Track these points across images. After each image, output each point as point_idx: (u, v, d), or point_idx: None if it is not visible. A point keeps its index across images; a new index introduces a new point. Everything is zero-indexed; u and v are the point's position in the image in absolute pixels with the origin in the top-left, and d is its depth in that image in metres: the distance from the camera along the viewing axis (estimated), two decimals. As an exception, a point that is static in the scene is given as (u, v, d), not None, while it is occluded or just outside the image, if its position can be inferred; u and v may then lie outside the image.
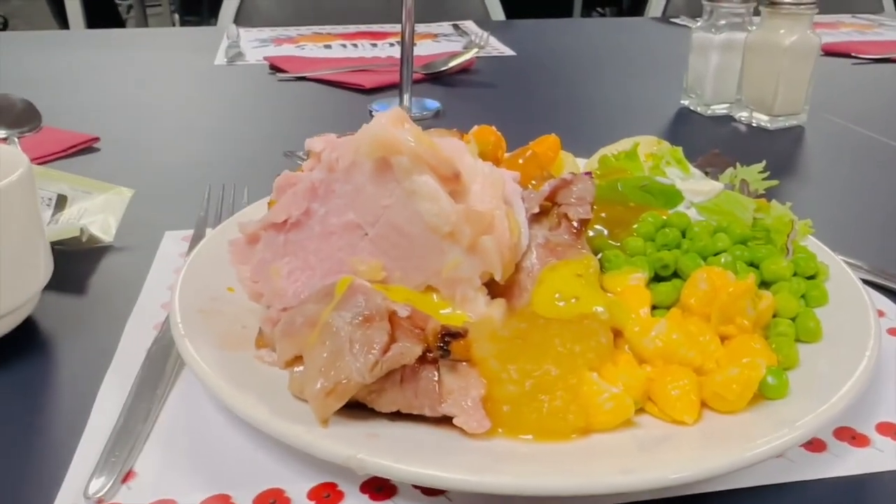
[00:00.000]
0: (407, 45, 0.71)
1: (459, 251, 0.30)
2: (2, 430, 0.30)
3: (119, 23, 3.15)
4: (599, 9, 4.03)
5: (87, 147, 0.63)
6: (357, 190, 0.30)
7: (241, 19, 1.23)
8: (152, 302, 0.40)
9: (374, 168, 0.30)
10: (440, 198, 0.29)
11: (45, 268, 0.36)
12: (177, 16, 4.26)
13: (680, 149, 0.42)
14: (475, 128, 0.43)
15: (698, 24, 0.73)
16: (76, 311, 0.39)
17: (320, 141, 0.33)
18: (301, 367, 0.28)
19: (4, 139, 0.61)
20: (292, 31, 1.13)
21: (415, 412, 0.28)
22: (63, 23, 2.61)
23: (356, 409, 0.28)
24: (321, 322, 0.28)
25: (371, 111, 0.73)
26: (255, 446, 0.29)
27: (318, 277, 0.31)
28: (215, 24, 3.63)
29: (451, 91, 0.82)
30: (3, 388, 0.33)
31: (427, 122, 0.72)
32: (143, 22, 3.51)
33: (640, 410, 0.29)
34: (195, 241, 0.45)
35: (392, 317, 0.28)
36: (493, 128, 0.44)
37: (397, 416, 0.28)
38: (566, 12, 2.58)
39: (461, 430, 0.27)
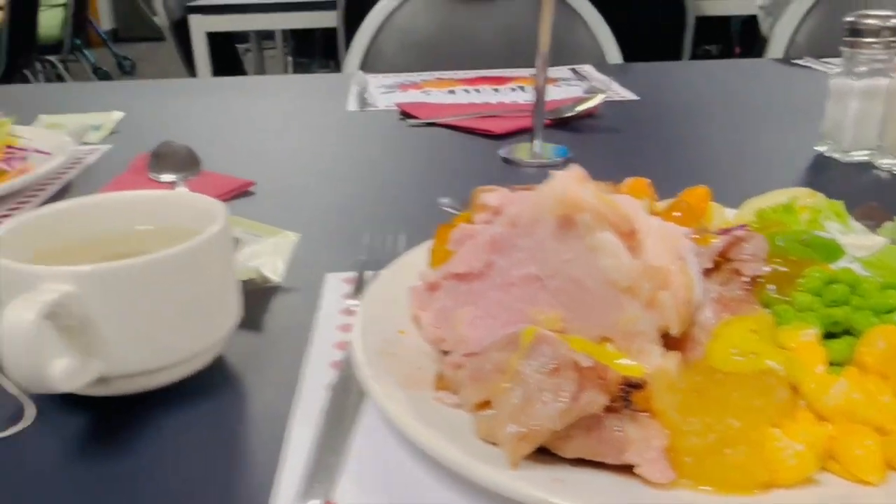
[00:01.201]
0: (540, 92, 0.73)
1: (638, 305, 0.31)
2: (201, 459, 0.33)
3: (239, 65, 3.33)
4: (707, 46, 3.98)
5: (243, 191, 0.67)
6: (538, 245, 0.32)
7: (365, 65, 1.29)
8: (325, 341, 0.43)
9: (556, 224, 0.32)
10: (621, 254, 0.31)
11: (237, 308, 0.39)
12: (290, 58, 4.48)
13: (841, 203, 0.42)
14: (628, 180, 0.44)
15: (836, 69, 0.73)
16: (256, 348, 0.42)
17: (496, 196, 0.35)
18: (489, 411, 0.30)
19: (173, 183, 0.66)
20: (416, 76, 1.17)
21: (598, 459, 0.29)
22: (190, 67, 2.78)
23: (539, 453, 0.29)
24: (510, 369, 0.30)
25: (503, 157, 0.76)
26: (441, 483, 0.31)
27: (498, 326, 0.33)
28: (327, 65, 3.74)
29: (577, 137, 0.84)
30: (202, 420, 0.36)
31: (557, 168, 0.73)
32: (261, 64, 3.69)
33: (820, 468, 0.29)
34: (358, 284, 0.48)
35: (576, 367, 0.29)
36: (646, 180, 0.45)
37: (578, 462, 0.29)
38: (675, 51, 2.57)
39: (642, 479, 0.28)
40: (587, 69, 1.19)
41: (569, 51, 1.31)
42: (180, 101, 1.06)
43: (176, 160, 0.71)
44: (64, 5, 4.48)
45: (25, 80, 4.44)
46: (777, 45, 1.30)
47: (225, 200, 0.66)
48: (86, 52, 5.54)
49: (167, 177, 0.67)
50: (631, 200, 0.34)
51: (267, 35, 4.67)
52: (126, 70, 6.38)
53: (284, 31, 4.47)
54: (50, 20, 4.32)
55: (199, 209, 0.39)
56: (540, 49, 0.71)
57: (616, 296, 0.31)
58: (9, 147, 0.68)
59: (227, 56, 3.21)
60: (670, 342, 0.32)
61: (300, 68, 4.46)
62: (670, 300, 0.31)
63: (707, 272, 0.34)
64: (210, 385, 0.39)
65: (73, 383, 0.33)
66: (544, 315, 0.32)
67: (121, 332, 0.34)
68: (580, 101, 0.89)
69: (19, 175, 0.65)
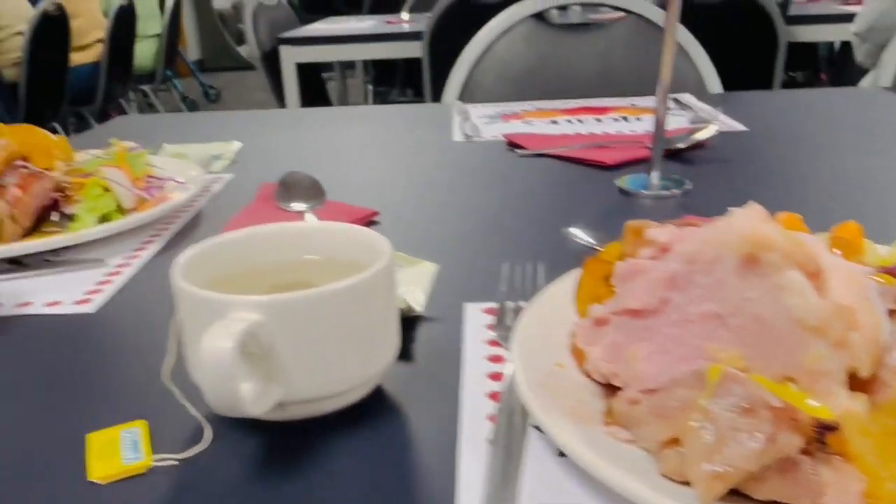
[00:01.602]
0: (660, 123, 0.73)
1: (825, 345, 0.30)
2: (372, 484, 0.34)
3: (324, 93, 3.42)
4: (792, 73, 3.89)
5: (369, 221, 0.69)
6: (719, 282, 0.32)
7: (463, 96, 1.31)
8: (477, 372, 0.43)
9: (739, 262, 0.32)
10: (808, 293, 0.30)
11: (398, 339, 0.40)
12: (370, 86, 4.57)
13: None
14: (780, 216, 0.44)
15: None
16: (409, 377, 0.43)
17: (664, 232, 0.36)
18: (676, 449, 0.30)
19: (301, 213, 0.68)
20: (516, 106, 1.18)
21: (792, 502, 0.29)
22: (279, 95, 2.87)
23: (728, 493, 0.29)
24: (698, 407, 0.30)
25: (621, 188, 0.76)
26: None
27: (674, 362, 0.33)
28: (405, 93, 3.79)
29: (690, 168, 0.83)
30: (368, 446, 0.37)
31: (677, 199, 0.73)
32: (344, 93, 3.78)
33: None
34: (500, 315, 0.49)
35: (769, 407, 0.29)
36: (798, 215, 0.44)
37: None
38: (765, 78, 2.52)
39: (837, 523, 0.28)
40: (688, 98, 1.18)
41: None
42: (291, 130, 1.09)
43: (302, 190, 0.73)
44: (158, 37, 4.69)
45: (121, 109, 4.66)
46: (886, 73, 1.27)
47: (351, 229, 0.68)
48: (175, 81, 5.77)
49: (296, 206, 0.69)
50: (814, 239, 0.34)
51: (349, 64, 4.79)
52: (211, 98, 6.63)
53: (366, 61, 4.58)
54: (144, 51, 4.53)
55: (365, 242, 0.41)
56: (661, 79, 0.71)
57: (802, 335, 0.31)
58: (148, 177, 0.72)
59: (313, 84, 3.30)
60: (855, 384, 0.32)
61: (380, 97, 4.56)
62: (860, 340, 0.30)
63: (891, 313, 0.33)
64: (373, 412, 0.40)
65: (260, 407, 0.34)
66: (725, 353, 0.32)
67: (300, 359, 0.35)
68: (692, 131, 0.88)
69: (159, 203, 0.69)
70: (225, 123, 1.16)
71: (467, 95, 1.31)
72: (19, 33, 3.33)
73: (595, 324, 0.36)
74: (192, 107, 5.86)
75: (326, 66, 3.77)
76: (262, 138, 1.04)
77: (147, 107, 5.51)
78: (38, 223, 0.65)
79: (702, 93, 1.27)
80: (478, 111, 1.16)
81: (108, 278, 0.58)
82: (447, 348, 0.46)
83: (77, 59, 3.75)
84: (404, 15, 3.19)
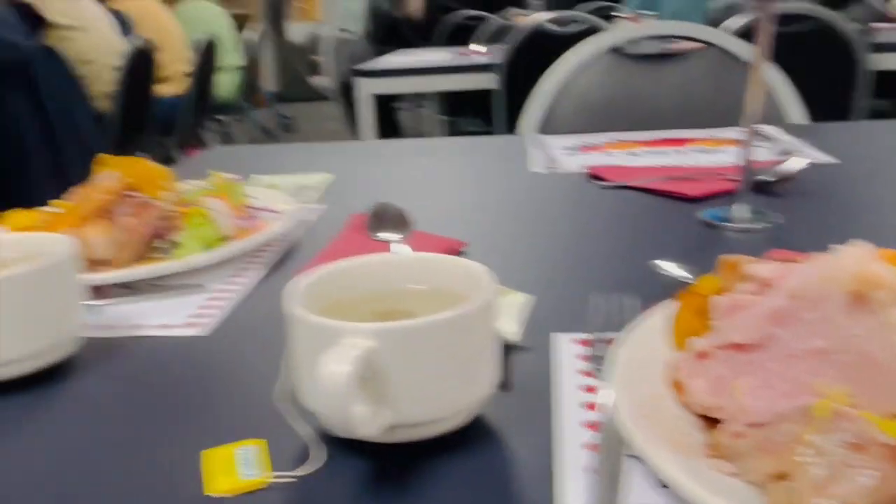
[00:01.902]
0: (747, 155, 0.73)
1: (936, 384, 0.30)
2: (489, 509, 0.35)
3: (396, 122, 3.49)
4: (876, 101, 3.77)
5: (457, 252, 0.71)
6: (826, 319, 0.32)
7: (541, 127, 1.32)
8: (571, 401, 0.44)
9: (846, 300, 0.32)
10: (919, 331, 0.30)
11: (498, 368, 0.42)
12: (440, 116, 4.63)
13: None
14: (884, 252, 0.44)
15: None
16: (504, 405, 0.45)
17: (767, 268, 0.36)
18: (785, 483, 0.30)
19: (392, 242, 0.71)
20: (594, 138, 1.19)
21: (903, 541, 0.28)
22: (354, 125, 2.94)
23: (836, 529, 0.29)
24: (807, 442, 0.30)
25: (706, 221, 0.76)
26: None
27: (779, 397, 0.33)
28: (476, 123, 3.83)
29: (777, 202, 0.82)
30: (470, 471, 0.38)
31: (764, 233, 0.73)
32: (416, 122, 3.84)
33: None
34: (592, 346, 0.49)
35: (881, 444, 0.29)
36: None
37: (879, 541, 0.29)
38: (844, 108, 2.46)
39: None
40: (771, 130, 1.16)
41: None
42: (375, 161, 1.13)
43: (391, 220, 0.75)
44: (238, 69, 4.87)
45: (200, 138, 4.84)
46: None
47: (439, 259, 0.69)
48: (252, 111, 5.97)
49: (388, 236, 0.72)
50: (923, 277, 0.34)
51: (421, 94, 4.87)
52: (287, 128, 6.83)
53: (438, 91, 4.65)
54: (225, 83, 4.71)
55: (466, 273, 0.42)
56: (749, 111, 0.71)
57: (912, 373, 0.31)
58: (246, 207, 0.76)
59: (386, 114, 3.37)
60: (968, 423, 0.31)
61: (450, 126, 4.62)
62: (974, 380, 0.30)
63: None
64: (472, 438, 0.41)
65: (371, 429, 0.36)
66: (831, 389, 0.32)
67: (408, 384, 0.37)
68: (778, 163, 0.88)
69: (257, 232, 0.72)
70: (310, 155, 1.20)
71: (545, 127, 1.32)
72: (110, 66, 3.50)
73: (696, 357, 0.36)
74: (269, 136, 6.04)
75: (399, 97, 3.85)
76: (347, 169, 1.07)
77: (224, 136, 5.72)
78: (147, 250, 0.69)
79: (782, 123, 1.25)
80: (557, 143, 1.17)
81: (211, 303, 0.61)
82: (539, 378, 0.47)
83: (162, 90, 3.93)
84: (477, 47, 3.24)
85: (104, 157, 0.79)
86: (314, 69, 9.32)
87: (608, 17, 3.49)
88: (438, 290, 0.44)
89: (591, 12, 3.70)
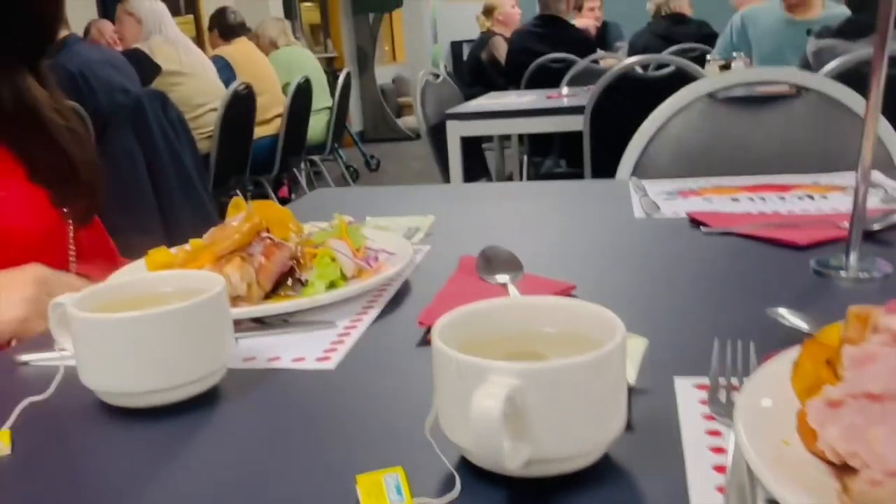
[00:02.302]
0: (860, 203, 0.73)
1: None
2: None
3: (483, 162, 3.54)
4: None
5: (567, 294, 0.73)
6: (964, 371, 0.34)
7: (636, 171, 1.34)
8: (698, 444, 0.46)
9: None
10: None
11: (626, 409, 0.44)
12: (525, 157, 4.67)
13: None
14: None
15: None
16: (632, 446, 0.46)
17: (898, 320, 0.37)
18: (927, 531, 0.31)
19: (504, 285, 0.74)
20: (693, 183, 1.20)
21: None
22: (443, 165, 3.00)
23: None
24: (950, 492, 0.31)
25: (816, 270, 0.76)
26: None
27: (916, 447, 0.34)
28: (559, 164, 3.83)
29: (889, 250, 0.82)
30: (606, 506, 0.41)
31: (878, 283, 0.72)
32: (502, 163, 3.89)
33: None
34: (713, 391, 0.51)
35: None
36: None
37: None
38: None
39: None
40: (878, 176, 1.15)
41: (847, 155, 1.28)
42: (476, 203, 1.17)
43: (501, 263, 0.79)
44: (328, 110, 5.05)
45: (293, 177, 5.02)
46: None
47: (550, 302, 0.72)
48: (339, 151, 6.15)
49: (500, 278, 0.75)
50: None
51: (506, 135, 4.93)
52: (372, 168, 7.00)
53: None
54: (317, 124, 4.89)
55: (596, 318, 0.45)
56: (862, 159, 0.72)
57: None
58: (365, 248, 0.80)
59: (474, 154, 3.42)
60: None
61: (534, 167, 4.65)
62: None
63: None
64: (603, 477, 0.43)
65: (514, 463, 0.38)
66: (971, 441, 0.33)
67: (547, 421, 0.39)
68: (889, 212, 0.87)
69: (377, 272, 0.76)
70: (409, 196, 1.25)
71: (641, 171, 1.34)
72: (213, 109, 3.70)
73: (828, 405, 0.38)
74: (355, 175, 6.21)
75: (486, 138, 3.92)
76: (449, 211, 1.11)
77: (314, 175, 5.91)
78: (276, 287, 0.74)
79: (889, 169, 1.23)
80: (655, 187, 1.18)
81: (341, 338, 0.66)
82: (662, 420, 0.49)
83: (259, 132, 4.11)
84: (564, 90, 3.28)
85: (237, 200, 0.85)
86: (399, 110, 9.56)
87: (698, 60, 3.49)
88: (567, 333, 0.46)
89: (679, 54, 3.70)
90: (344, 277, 0.75)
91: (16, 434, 0.51)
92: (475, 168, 3.28)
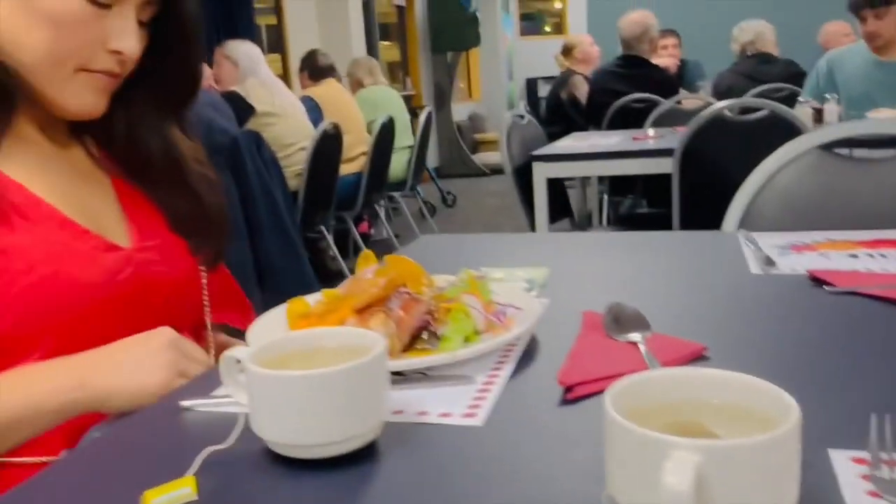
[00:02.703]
0: None
1: None
2: None
3: (566, 201, 3.54)
4: None
5: (699, 356, 0.74)
6: None
7: (744, 222, 1.34)
8: (866, 522, 0.46)
9: None
10: None
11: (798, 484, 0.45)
12: (605, 196, 4.66)
13: None
14: None
15: None
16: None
17: None
18: None
19: (636, 344, 0.75)
20: (805, 236, 1.19)
21: None
22: (528, 205, 3.03)
23: None
24: None
25: (957, 336, 0.75)
26: None
27: None
28: (640, 204, 3.81)
29: None
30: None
31: None
32: (583, 201, 3.89)
33: None
34: (874, 466, 0.51)
35: None
36: None
37: None
38: None
39: None
40: None
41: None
42: (585, 254, 1.18)
43: (629, 321, 0.80)
44: (409, 148, 5.15)
45: (374, 213, 5.13)
46: None
47: (680, 365, 0.73)
48: (417, 187, 6.26)
49: (632, 336, 0.76)
50: None
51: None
52: (448, 203, 7.09)
53: (603, 172, 4.69)
54: (398, 162, 4.99)
55: (766, 394, 0.46)
56: None
57: None
58: (494, 302, 0.83)
59: (556, 192, 3.43)
60: None
61: (613, 206, 4.63)
62: None
63: None
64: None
65: (698, 538, 0.40)
66: None
67: (727, 499, 0.41)
68: None
69: (507, 327, 0.79)
70: (517, 244, 1.27)
71: (748, 222, 1.33)
72: (302, 149, 3.83)
73: None
74: (432, 211, 6.30)
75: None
76: (561, 261, 1.13)
77: (392, 211, 6.02)
78: (412, 341, 0.77)
79: None
80: (766, 241, 1.18)
81: (482, 394, 0.68)
82: (824, 497, 0.49)
83: (343, 169, 4.23)
84: (650, 131, 3.28)
85: (367, 253, 0.89)
86: (474, 146, 9.67)
87: (786, 99, 3.44)
88: (733, 407, 0.48)
89: (766, 94, 3.65)
90: (477, 332, 0.78)
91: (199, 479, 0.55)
92: (557, 206, 3.28)
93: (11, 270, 0.80)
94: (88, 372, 0.80)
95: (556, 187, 3.40)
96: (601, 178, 4.88)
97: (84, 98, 0.87)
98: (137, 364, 0.80)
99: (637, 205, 4.40)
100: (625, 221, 4.21)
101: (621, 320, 0.80)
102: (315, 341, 0.63)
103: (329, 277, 4.43)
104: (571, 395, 0.66)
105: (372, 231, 5.49)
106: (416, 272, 0.82)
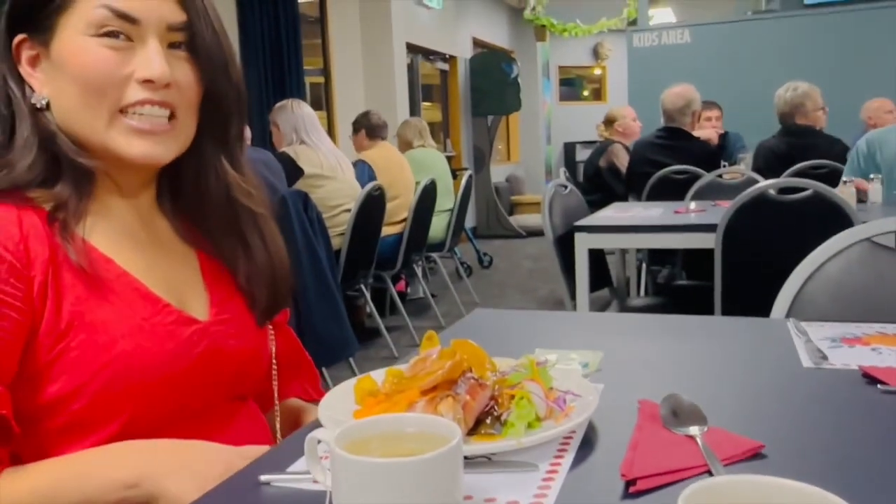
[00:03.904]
0: None
1: None
2: None
3: (607, 272, 3.56)
4: None
5: (756, 453, 0.76)
6: None
7: (792, 311, 1.35)
8: None
9: None
10: None
11: None
12: (643, 263, 4.66)
13: None
14: None
15: None
16: None
17: None
18: None
19: (693, 437, 0.77)
20: (855, 329, 1.20)
21: None
22: (569, 274, 3.05)
23: None
24: None
25: None
26: None
27: None
28: (681, 275, 3.80)
29: None
30: None
31: None
32: (622, 269, 3.90)
33: None
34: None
35: None
36: None
37: None
38: None
39: None
40: None
41: None
42: (635, 337, 1.21)
43: (685, 413, 0.82)
44: (450, 211, 5.23)
45: (412, 271, 5.18)
46: None
47: (739, 462, 0.75)
48: (455, 248, 6.32)
49: (690, 430, 0.79)
50: None
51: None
52: (485, 265, 7.13)
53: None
54: (439, 223, 5.06)
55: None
56: None
57: None
58: (554, 389, 0.86)
59: (595, 260, 3.45)
60: None
61: (651, 275, 4.64)
62: None
63: None
64: None
65: None
66: None
67: None
68: None
69: (567, 416, 0.81)
70: (564, 323, 1.31)
71: (797, 310, 1.35)
72: (347, 210, 3.92)
73: None
74: (469, 271, 6.34)
75: (607, 247, 3.95)
76: (612, 344, 1.15)
77: (429, 270, 6.07)
78: (476, 426, 0.80)
79: None
80: (816, 332, 1.19)
81: (547, 483, 0.71)
82: None
83: (386, 230, 4.30)
84: (692, 204, 3.30)
85: (431, 333, 0.93)
86: (511, 208, 9.75)
87: (827, 176, 3.45)
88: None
89: (808, 171, 3.67)
90: (539, 419, 0.81)
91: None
92: (596, 274, 3.29)
93: (96, 344, 0.84)
94: (148, 470, 0.81)
95: (596, 255, 3.43)
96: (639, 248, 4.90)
97: (132, 141, 0.87)
98: (193, 475, 0.81)
99: (675, 275, 4.41)
100: (663, 292, 4.20)
101: (679, 413, 0.83)
102: (395, 426, 0.66)
103: (366, 335, 4.48)
104: (634, 488, 0.69)
105: (408, 290, 5.54)
106: (480, 356, 0.86)
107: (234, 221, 0.99)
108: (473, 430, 0.80)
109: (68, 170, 0.88)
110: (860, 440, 0.80)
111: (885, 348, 1.10)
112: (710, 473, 0.71)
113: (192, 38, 0.90)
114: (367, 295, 4.29)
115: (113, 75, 0.86)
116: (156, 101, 0.87)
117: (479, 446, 0.75)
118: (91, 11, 0.85)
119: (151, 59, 0.86)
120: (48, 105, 0.88)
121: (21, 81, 0.89)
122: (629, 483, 0.70)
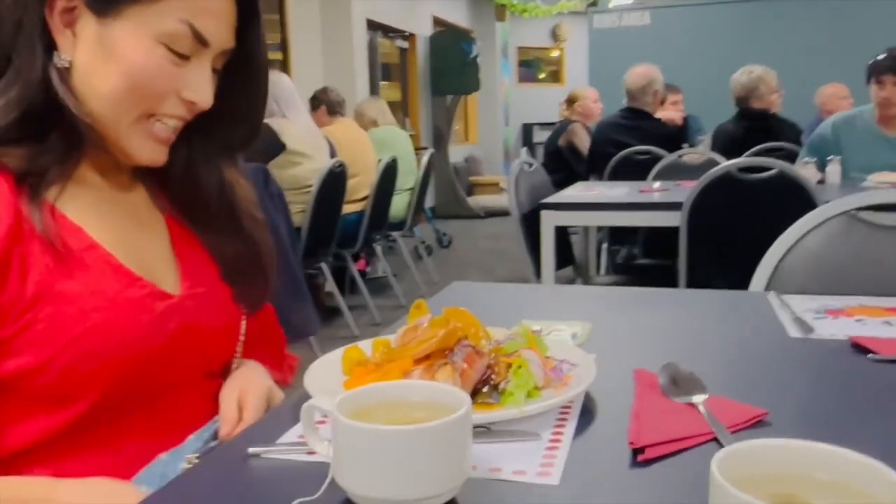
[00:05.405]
0: None
1: None
2: None
3: (570, 251, 3.56)
4: None
5: (758, 421, 0.75)
6: None
7: (771, 285, 1.35)
8: None
9: None
10: None
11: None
12: (605, 245, 4.69)
13: None
14: None
15: None
16: None
17: None
18: None
19: (694, 405, 0.76)
20: (836, 300, 1.20)
21: None
22: (533, 252, 3.04)
23: None
24: None
25: None
26: None
27: None
28: (640, 254, 3.83)
29: None
30: None
31: None
32: (586, 250, 3.91)
33: None
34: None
35: None
36: None
37: None
38: None
39: None
40: None
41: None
42: (617, 310, 1.19)
43: (685, 382, 0.81)
44: (411, 190, 5.18)
45: (371, 251, 5.13)
46: None
47: (743, 429, 0.73)
48: (414, 227, 6.27)
49: (694, 398, 0.77)
50: None
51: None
52: (444, 244, 7.11)
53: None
54: (400, 202, 5.01)
55: (869, 469, 0.47)
56: None
57: None
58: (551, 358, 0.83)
59: (559, 239, 3.45)
60: None
61: (611, 256, 4.67)
62: None
63: None
64: None
65: None
66: None
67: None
68: None
69: (566, 384, 0.79)
70: (536, 296, 1.28)
71: (776, 284, 1.35)
72: (310, 187, 3.84)
73: None
74: (429, 251, 6.31)
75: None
76: (597, 315, 1.13)
77: (389, 249, 6.02)
78: (473, 395, 0.77)
79: None
80: (799, 304, 1.19)
81: (552, 452, 0.68)
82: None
83: (347, 208, 4.24)
84: (655, 184, 3.32)
85: (420, 302, 0.90)
86: (470, 189, 9.73)
87: (785, 158, 3.49)
88: (838, 484, 0.48)
89: (766, 153, 3.72)
90: (537, 388, 0.78)
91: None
92: (560, 253, 3.29)
93: (65, 316, 0.79)
94: (53, 491, 0.77)
95: (560, 235, 3.42)
96: (600, 227, 4.93)
97: (146, 146, 0.86)
98: (105, 497, 0.78)
99: (635, 255, 4.44)
100: (623, 271, 4.23)
101: (678, 381, 0.81)
102: (401, 394, 0.63)
103: (326, 314, 4.41)
104: (643, 456, 0.67)
105: (368, 269, 5.49)
106: (475, 324, 0.83)
107: (228, 209, 0.97)
108: (471, 399, 0.77)
109: (60, 136, 0.82)
110: (859, 406, 0.80)
111: (869, 319, 1.10)
112: (716, 441, 0.70)
113: (244, 64, 0.91)
114: (328, 273, 4.22)
115: (164, 87, 0.84)
116: (186, 119, 0.88)
117: (480, 415, 0.72)
118: (171, 22, 0.81)
119: (202, 85, 0.86)
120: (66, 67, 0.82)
121: (42, 25, 0.81)
122: (636, 451, 0.68)
